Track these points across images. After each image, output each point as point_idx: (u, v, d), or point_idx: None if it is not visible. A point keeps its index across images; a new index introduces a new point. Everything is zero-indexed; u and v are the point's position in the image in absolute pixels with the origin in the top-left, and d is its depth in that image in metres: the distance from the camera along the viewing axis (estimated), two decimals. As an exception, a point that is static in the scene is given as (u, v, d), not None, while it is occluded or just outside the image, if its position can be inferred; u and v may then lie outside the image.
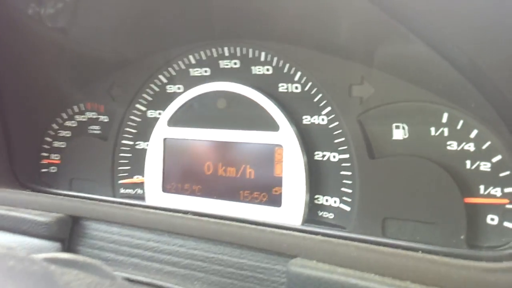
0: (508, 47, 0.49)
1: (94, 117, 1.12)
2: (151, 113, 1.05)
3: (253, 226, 0.78)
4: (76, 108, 1.14)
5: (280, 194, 0.87)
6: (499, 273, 0.57)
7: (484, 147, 0.72)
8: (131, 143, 1.07)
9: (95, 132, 1.12)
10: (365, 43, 0.78)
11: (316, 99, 0.86)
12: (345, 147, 0.84)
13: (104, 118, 1.11)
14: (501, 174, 0.71)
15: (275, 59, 0.90)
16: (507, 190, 0.71)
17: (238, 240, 0.77)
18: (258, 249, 0.75)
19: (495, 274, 0.58)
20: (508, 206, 0.71)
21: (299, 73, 0.88)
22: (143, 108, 1.05)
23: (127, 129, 1.07)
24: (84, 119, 1.13)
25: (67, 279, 0.52)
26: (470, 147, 0.73)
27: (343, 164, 0.84)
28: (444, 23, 0.52)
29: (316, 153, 0.87)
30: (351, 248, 0.67)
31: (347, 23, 0.74)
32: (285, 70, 0.89)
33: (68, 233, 0.90)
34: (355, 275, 0.62)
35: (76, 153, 1.12)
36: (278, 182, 0.87)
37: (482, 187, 0.73)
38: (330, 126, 0.85)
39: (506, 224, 0.71)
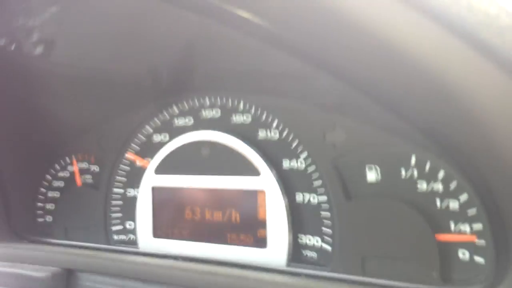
0: (453, 118, 0.54)
1: (86, 167, 1.16)
2: (139, 162, 1.09)
3: (239, 273, 0.82)
4: (68, 159, 1.18)
5: (265, 236, 0.91)
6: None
7: (451, 186, 0.77)
8: (122, 191, 1.11)
9: (87, 181, 1.16)
10: (336, 93, 0.83)
11: (293, 145, 0.91)
12: (323, 190, 0.88)
13: (95, 168, 1.15)
14: (469, 212, 0.75)
15: (253, 107, 0.95)
16: (475, 227, 0.75)
17: (225, 289, 0.80)
18: (245, 297, 0.79)
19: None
20: (477, 242, 0.75)
21: (276, 121, 0.93)
22: (132, 157, 1.10)
23: (118, 177, 1.11)
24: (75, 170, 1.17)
25: None
26: (439, 187, 0.78)
27: (322, 206, 0.88)
28: (399, 95, 0.57)
29: (296, 195, 0.91)
30: (330, 292, 0.71)
31: (316, 80, 0.79)
32: (263, 118, 0.94)
33: (64, 287, 0.94)
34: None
35: (69, 202, 1.17)
36: (263, 224, 0.91)
37: (452, 225, 0.77)
38: (308, 170, 0.90)
39: (476, 259, 0.75)
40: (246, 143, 0.94)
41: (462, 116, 0.44)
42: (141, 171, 1.05)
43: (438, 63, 0.40)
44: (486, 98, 0.40)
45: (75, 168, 1.18)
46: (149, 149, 1.07)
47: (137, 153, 1.09)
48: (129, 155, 1.10)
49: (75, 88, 1.07)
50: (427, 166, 0.79)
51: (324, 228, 0.88)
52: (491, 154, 0.49)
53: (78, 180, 1.17)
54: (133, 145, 1.10)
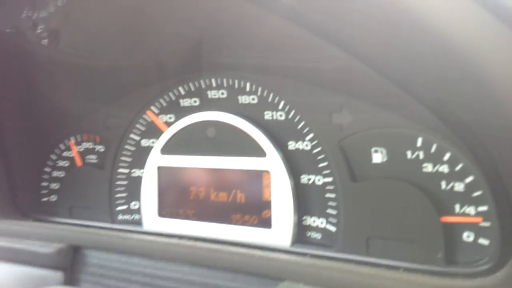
0: (465, 88, 0.54)
1: (91, 147, 1.16)
2: (144, 142, 1.09)
3: (244, 251, 0.83)
4: (73, 139, 1.19)
5: (270, 217, 0.91)
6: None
7: (457, 168, 0.77)
8: (127, 171, 1.11)
9: (92, 161, 1.16)
10: (343, 74, 0.83)
11: (299, 126, 0.91)
12: (329, 171, 0.88)
13: (100, 148, 1.15)
14: (474, 194, 0.76)
15: (260, 89, 0.95)
16: (480, 209, 0.75)
17: (230, 266, 0.81)
18: (249, 273, 0.79)
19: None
20: (481, 224, 0.75)
21: (282, 102, 0.93)
22: (137, 138, 1.10)
23: (123, 158, 1.11)
24: (81, 149, 1.18)
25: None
26: (444, 168, 0.78)
27: (328, 187, 0.89)
28: (411, 69, 0.57)
29: (302, 176, 0.91)
30: (335, 271, 0.72)
31: (325, 59, 0.79)
32: (270, 99, 0.94)
33: (70, 263, 0.95)
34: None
35: (74, 182, 1.17)
36: (267, 205, 0.91)
37: (457, 206, 0.77)
38: (314, 151, 0.90)
39: (480, 241, 0.75)
40: (252, 124, 0.94)
41: (476, 87, 0.44)
42: (146, 151, 1.06)
43: (453, 28, 0.39)
44: (503, 68, 0.40)
45: (73, 150, 1.18)
46: (155, 129, 1.07)
47: (142, 133, 1.10)
48: (149, 114, 1.09)
49: (81, 70, 1.08)
50: (433, 148, 0.79)
51: (329, 210, 0.88)
52: (503, 130, 0.49)
53: (78, 161, 1.18)
54: (138, 125, 1.10)
